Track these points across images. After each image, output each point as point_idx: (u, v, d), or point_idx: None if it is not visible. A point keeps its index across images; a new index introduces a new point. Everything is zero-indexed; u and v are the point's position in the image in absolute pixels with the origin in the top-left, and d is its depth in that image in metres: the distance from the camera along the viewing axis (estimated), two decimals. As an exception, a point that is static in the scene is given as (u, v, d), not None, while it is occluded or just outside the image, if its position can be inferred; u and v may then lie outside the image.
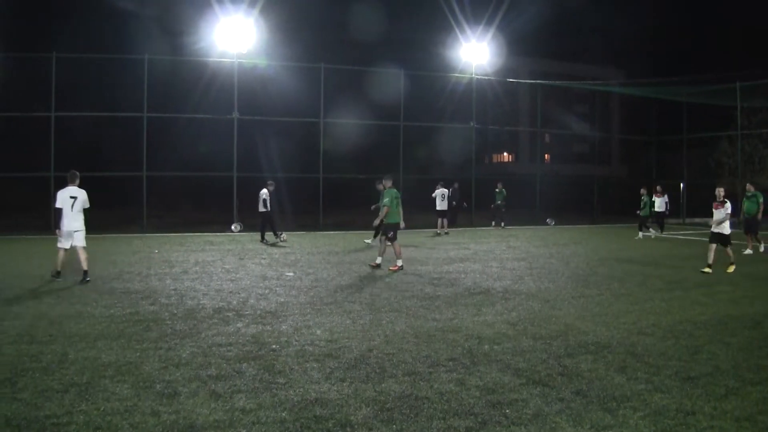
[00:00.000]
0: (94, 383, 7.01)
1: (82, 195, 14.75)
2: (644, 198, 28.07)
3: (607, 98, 78.86)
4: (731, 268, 16.97)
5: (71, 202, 14.61)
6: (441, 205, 29.62)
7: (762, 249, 22.16)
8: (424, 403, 6.51)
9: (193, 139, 46.77)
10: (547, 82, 49.85)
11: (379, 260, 16.98)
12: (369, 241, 23.69)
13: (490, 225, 35.20)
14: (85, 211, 14.84)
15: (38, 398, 6.52)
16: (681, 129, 41.61)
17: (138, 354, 8.20)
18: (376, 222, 17.44)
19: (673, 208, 29.93)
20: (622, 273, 16.60)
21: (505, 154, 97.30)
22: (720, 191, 17.33)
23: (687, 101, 40.10)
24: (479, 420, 6.09)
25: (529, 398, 6.73)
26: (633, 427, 5.99)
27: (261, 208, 24.22)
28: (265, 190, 24.21)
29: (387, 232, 16.86)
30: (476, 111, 37.86)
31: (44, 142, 28.62)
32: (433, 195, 29.85)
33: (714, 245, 16.96)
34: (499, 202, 35.18)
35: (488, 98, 51.37)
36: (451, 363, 7.97)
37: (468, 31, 37.68)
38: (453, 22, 39.22)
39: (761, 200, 21.82)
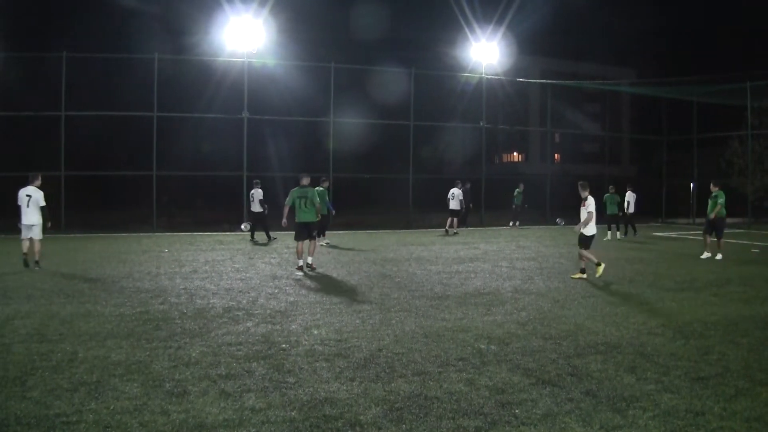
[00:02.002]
0: (104, 382, 7.01)
1: (36, 194, 16.41)
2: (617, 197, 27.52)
3: (617, 98, 78.65)
4: (599, 270, 15.55)
5: (27, 200, 16.31)
6: (453, 204, 29.59)
7: (719, 257, 19.58)
8: (433, 403, 6.50)
9: (203, 138, 46.87)
10: (557, 81, 49.76)
11: (309, 260, 16.53)
12: (324, 242, 23.46)
13: (502, 225, 35.20)
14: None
15: (48, 397, 6.53)
16: (691, 129, 41.51)
17: (148, 353, 8.21)
18: (284, 222, 17.15)
19: (638, 210, 29.06)
20: (632, 273, 16.54)
21: (515, 153, 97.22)
22: (582, 186, 15.79)
23: (697, 101, 40.00)
24: (489, 420, 6.07)
25: (538, 398, 6.70)
26: (642, 427, 5.97)
27: (257, 208, 24.27)
28: (259, 191, 24.22)
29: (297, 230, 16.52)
30: (486, 110, 37.82)
31: (55, 141, 28.72)
32: (450, 194, 29.77)
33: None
34: (518, 203, 35.31)
35: (498, 98, 51.30)
36: (460, 363, 7.95)
37: (478, 31, 37.70)
38: (463, 22, 39.28)
39: (720, 200, 19.84)
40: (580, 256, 15.73)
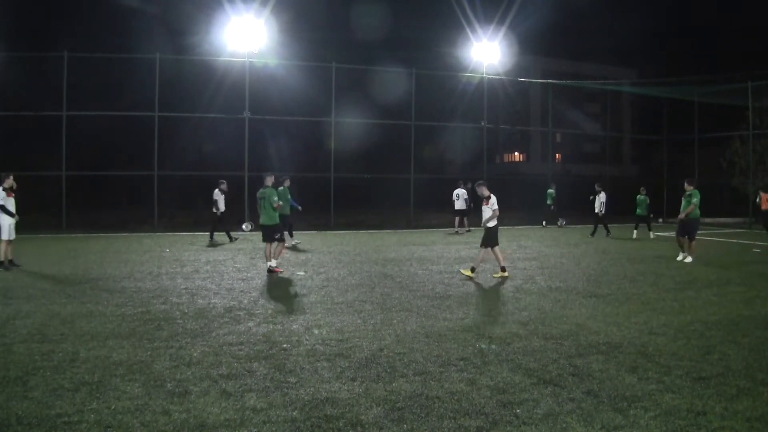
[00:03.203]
0: (105, 382, 7.02)
1: None
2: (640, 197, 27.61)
3: (618, 98, 78.61)
4: (501, 274, 15.62)
5: None
6: (459, 204, 29.70)
7: (689, 260, 18.87)
8: (434, 403, 6.50)
9: (205, 138, 46.90)
10: (558, 81, 49.74)
11: (272, 264, 16.27)
12: (295, 241, 23.45)
13: (502, 225, 35.21)
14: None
15: (49, 397, 6.54)
16: (692, 128, 41.58)
17: (149, 353, 8.22)
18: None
19: (609, 210, 28.93)
20: (633, 273, 16.53)
21: (516, 153, 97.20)
22: (480, 186, 15.91)
23: (698, 100, 40.06)
24: (490, 420, 6.08)
25: (539, 398, 6.70)
26: (644, 427, 5.97)
27: (221, 208, 24.01)
28: (217, 191, 23.97)
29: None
30: (487, 110, 37.83)
31: (56, 141, 28.73)
32: (455, 194, 29.91)
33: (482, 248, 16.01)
34: (549, 202, 35.50)
35: (499, 98, 51.37)
36: (461, 362, 7.95)
37: (479, 31, 37.71)
38: (464, 22, 39.26)
39: (695, 200, 18.81)
40: (483, 256, 15.99)
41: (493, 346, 8.71)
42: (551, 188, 35.98)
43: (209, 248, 21.82)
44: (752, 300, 12.75)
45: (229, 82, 33.11)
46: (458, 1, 41.90)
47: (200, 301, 12.00)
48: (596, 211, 28.60)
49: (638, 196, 27.49)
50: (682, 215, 19.00)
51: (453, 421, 6.04)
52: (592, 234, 28.35)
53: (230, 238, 24.39)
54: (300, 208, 23.43)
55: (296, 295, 12.82)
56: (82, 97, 34.17)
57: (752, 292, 13.73)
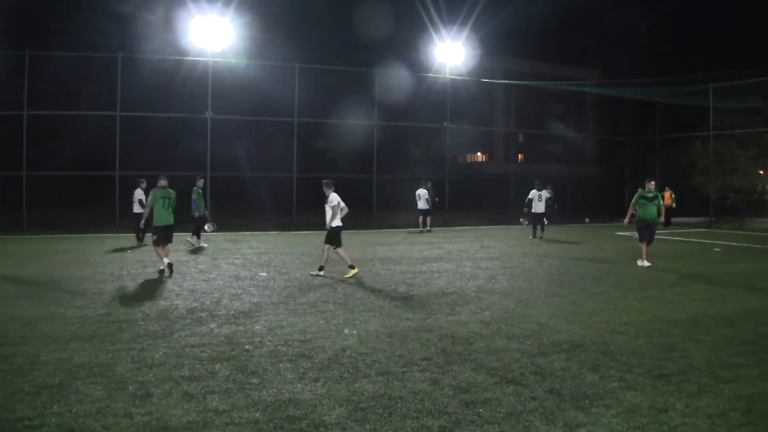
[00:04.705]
0: (67, 385, 6.99)
1: None
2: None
3: (581, 98, 79.12)
4: (351, 273, 15.65)
5: None
6: (421, 204, 29.92)
7: (646, 264, 18.01)
8: (397, 403, 6.57)
9: (168, 138, 46.51)
10: (521, 82, 49.94)
11: (166, 262, 15.92)
12: (190, 241, 22.99)
13: (465, 226, 35.38)
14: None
15: (10, 400, 6.51)
16: (654, 129, 42.18)
17: (111, 355, 8.19)
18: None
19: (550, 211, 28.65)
20: (596, 272, 16.73)
21: (479, 154, 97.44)
22: (326, 185, 15.93)
23: (661, 102, 40.68)
24: (453, 419, 6.15)
25: (502, 397, 6.79)
26: (606, 425, 6.07)
27: (137, 209, 22.86)
28: (140, 190, 23.18)
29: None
30: (450, 111, 37.97)
31: (17, 142, 28.35)
32: (417, 194, 30.09)
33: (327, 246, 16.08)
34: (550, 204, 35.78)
35: (463, 98, 51.48)
36: (424, 362, 8.03)
37: (443, 31, 37.78)
38: (428, 22, 39.30)
39: (660, 202, 18.41)
40: (327, 254, 15.96)
41: (456, 346, 8.79)
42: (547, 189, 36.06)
43: (170, 250, 21.61)
44: (714, 299, 13.00)
45: (192, 81, 32.90)
46: (422, 2, 42.00)
47: (162, 302, 11.96)
48: (540, 211, 27.47)
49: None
50: (661, 218, 18.79)
51: (416, 420, 6.11)
52: (533, 236, 27.34)
53: (138, 239, 22.97)
54: (207, 213, 23.01)
55: (259, 296, 12.81)
56: (44, 96, 33.80)
57: (714, 291, 13.98)
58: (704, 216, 37.35)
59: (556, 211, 29.56)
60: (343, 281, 14.86)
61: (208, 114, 30.81)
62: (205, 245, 22.63)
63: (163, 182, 16.37)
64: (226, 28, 30.75)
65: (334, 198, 15.62)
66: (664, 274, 16.45)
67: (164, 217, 16.00)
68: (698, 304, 12.40)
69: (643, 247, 18.33)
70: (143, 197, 22.51)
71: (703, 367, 7.93)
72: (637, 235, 18.85)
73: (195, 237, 22.76)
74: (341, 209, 15.66)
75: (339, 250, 15.86)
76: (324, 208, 15.83)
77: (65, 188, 38.67)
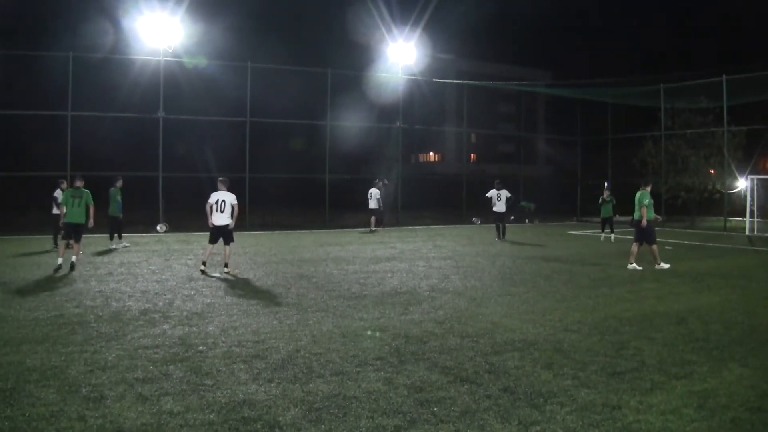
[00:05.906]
0: (19, 388, 6.93)
1: None
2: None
3: (533, 99, 79.96)
4: (228, 269, 16.23)
5: None
6: (372, 203, 30.00)
7: (666, 266, 17.76)
8: (352, 403, 6.61)
9: (119, 138, 46.01)
10: (473, 82, 50.35)
11: (59, 261, 16.17)
12: (123, 244, 22.76)
13: (418, 225, 35.55)
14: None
15: (-39, 404, 6.43)
16: (606, 129, 42.82)
17: (63, 358, 8.13)
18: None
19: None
20: (548, 271, 16.94)
21: (432, 153, 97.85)
22: (222, 183, 16.97)
23: (612, 102, 41.31)
24: (407, 419, 6.20)
25: (456, 396, 6.85)
26: (560, 422, 6.15)
27: (55, 210, 22.38)
28: (58, 191, 22.32)
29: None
30: (402, 110, 38.12)
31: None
32: (369, 194, 30.17)
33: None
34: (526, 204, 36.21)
35: (415, 98, 51.66)
36: (378, 362, 8.09)
37: (395, 31, 37.92)
38: (380, 21, 39.44)
39: (646, 201, 17.71)
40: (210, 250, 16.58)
41: (410, 346, 8.88)
42: (523, 201, 36.69)
43: (122, 251, 21.46)
44: (665, 296, 13.26)
45: (144, 80, 32.58)
46: (374, 1, 42.10)
47: (114, 304, 11.87)
48: (501, 210, 26.73)
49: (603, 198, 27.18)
50: (644, 221, 17.62)
51: (371, 420, 6.15)
52: (499, 237, 26.71)
53: (55, 242, 22.10)
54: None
55: (212, 296, 12.77)
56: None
57: (665, 288, 14.26)
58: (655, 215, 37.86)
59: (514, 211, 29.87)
60: (293, 283, 14.86)
61: (160, 114, 30.55)
62: (122, 246, 22.51)
63: (78, 183, 17.05)
64: (178, 27, 30.50)
65: (232, 198, 16.61)
66: (615, 273, 16.71)
67: (73, 215, 16.65)
68: (650, 302, 12.63)
69: (635, 247, 17.87)
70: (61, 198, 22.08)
71: (655, 365, 8.08)
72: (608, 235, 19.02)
73: (117, 238, 22.43)
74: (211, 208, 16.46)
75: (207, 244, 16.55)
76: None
77: (15, 188, 38.06)
